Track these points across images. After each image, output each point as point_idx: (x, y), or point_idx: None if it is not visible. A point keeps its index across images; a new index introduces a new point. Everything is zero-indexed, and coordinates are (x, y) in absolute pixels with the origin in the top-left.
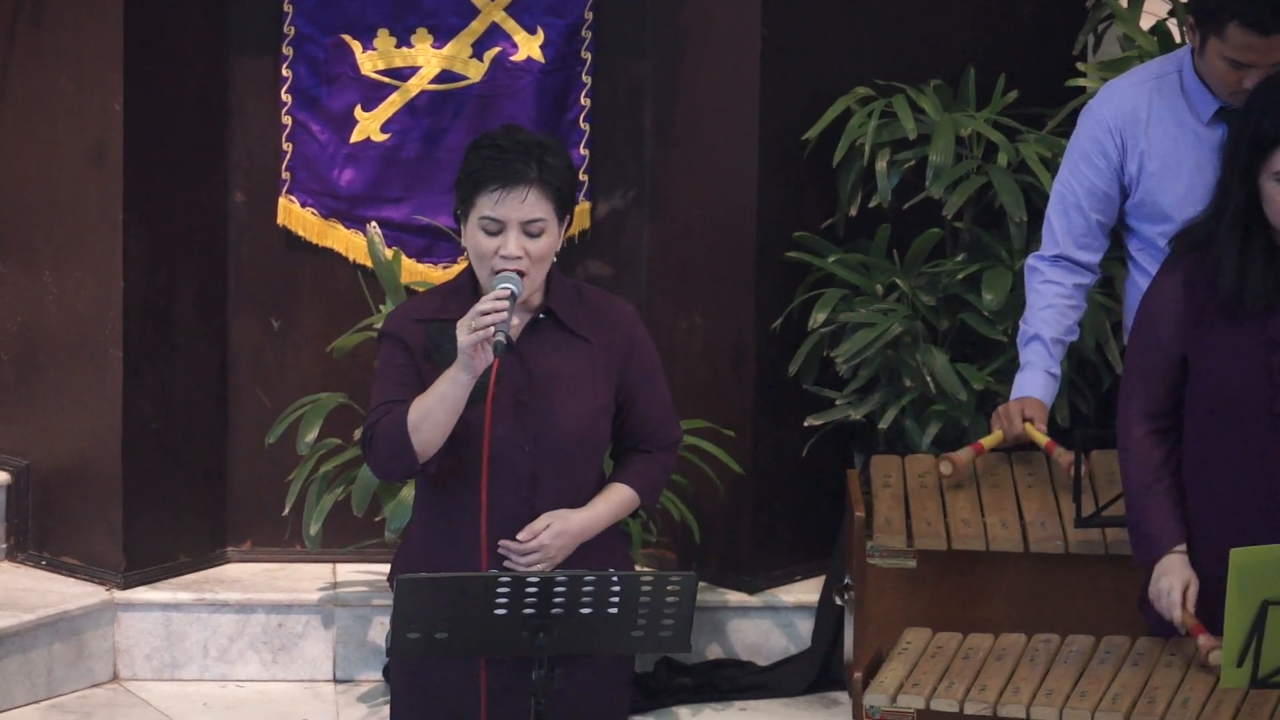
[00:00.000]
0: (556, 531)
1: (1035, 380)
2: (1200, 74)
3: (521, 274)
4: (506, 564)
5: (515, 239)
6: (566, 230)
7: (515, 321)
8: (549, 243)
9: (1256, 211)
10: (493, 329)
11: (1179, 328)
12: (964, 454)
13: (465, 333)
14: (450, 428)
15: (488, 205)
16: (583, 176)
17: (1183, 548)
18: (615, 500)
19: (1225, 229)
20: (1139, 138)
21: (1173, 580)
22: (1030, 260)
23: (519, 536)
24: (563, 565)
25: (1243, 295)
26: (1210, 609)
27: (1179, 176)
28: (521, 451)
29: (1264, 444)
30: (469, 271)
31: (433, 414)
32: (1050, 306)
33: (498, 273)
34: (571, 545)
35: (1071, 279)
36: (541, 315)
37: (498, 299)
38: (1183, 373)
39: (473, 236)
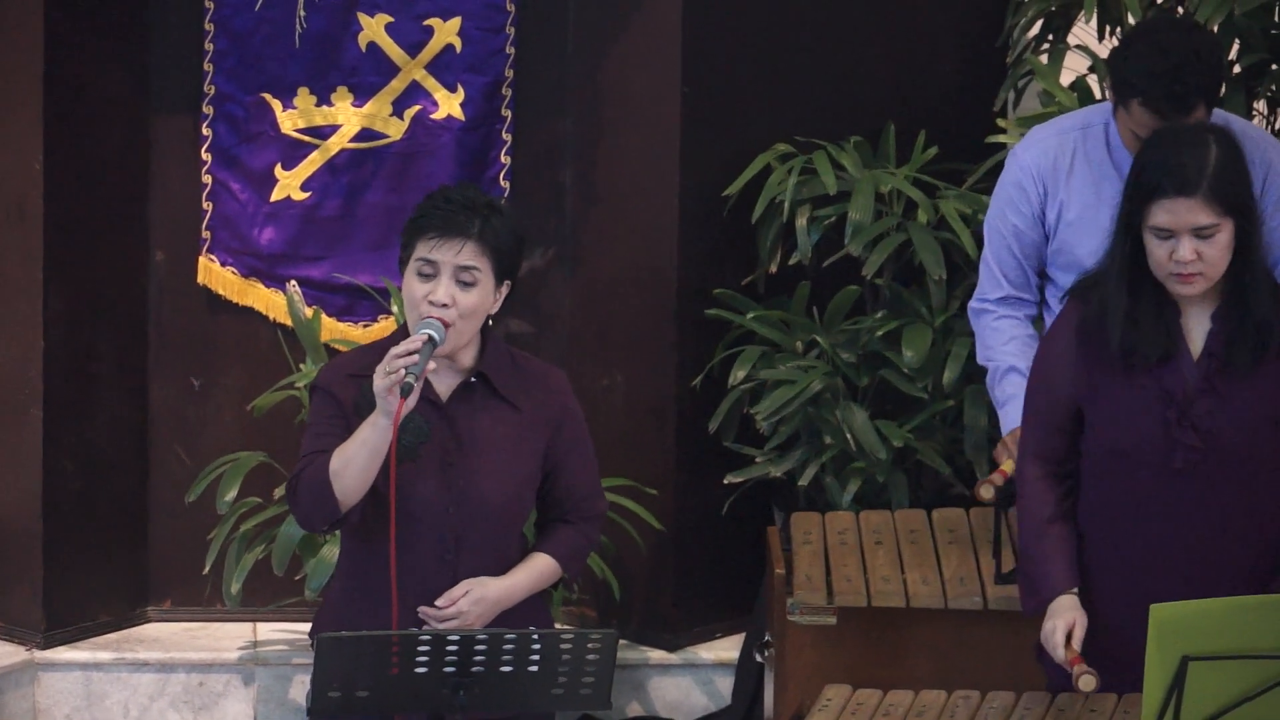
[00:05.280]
0: (475, 599)
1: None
2: None
3: (446, 324)
4: (425, 629)
5: (446, 285)
6: (503, 296)
7: (432, 365)
8: (479, 297)
9: (1143, 263)
10: (403, 371)
11: (1073, 379)
12: (998, 477)
13: (380, 376)
14: (372, 474)
15: (425, 249)
16: None
17: (1074, 591)
18: (536, 570)
19: (1114, 280)
20: (1060, 185)
21: (1057, 621)
22: (974, 304)
23: (437, 603)
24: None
25: (1135, 348)
26: (1110, 659)
27: (1096, 228)
28: (445, 514)
29: (1161, 497)
30: (403, 329)
31: (354, 460)
32: (1014, 339)
33: (424, 318)
34: (490, 613)
35: (1022, 311)
36: (474, 379)
37: (413, 342)
38: (1078, 422)
39: (408, 282)
